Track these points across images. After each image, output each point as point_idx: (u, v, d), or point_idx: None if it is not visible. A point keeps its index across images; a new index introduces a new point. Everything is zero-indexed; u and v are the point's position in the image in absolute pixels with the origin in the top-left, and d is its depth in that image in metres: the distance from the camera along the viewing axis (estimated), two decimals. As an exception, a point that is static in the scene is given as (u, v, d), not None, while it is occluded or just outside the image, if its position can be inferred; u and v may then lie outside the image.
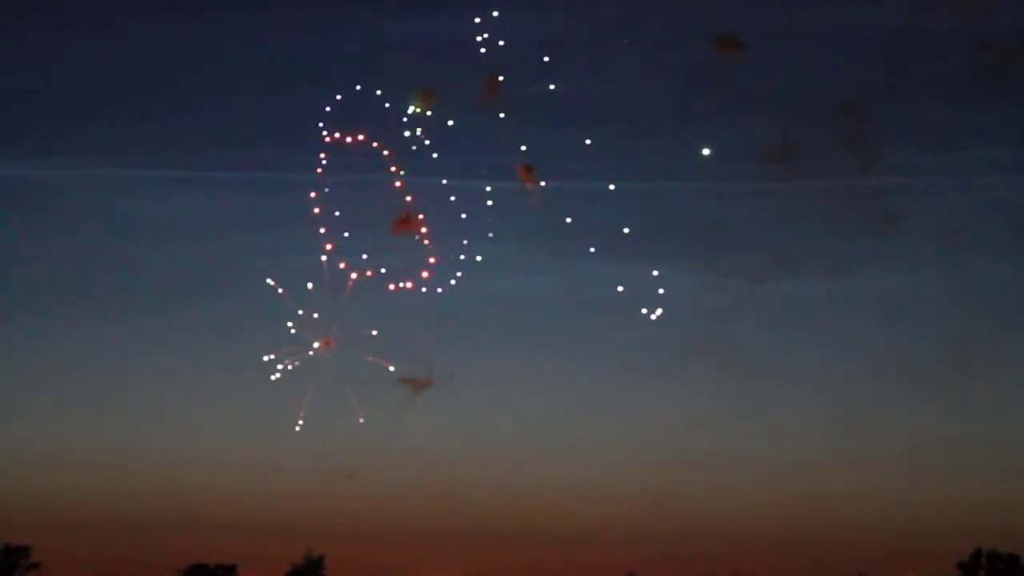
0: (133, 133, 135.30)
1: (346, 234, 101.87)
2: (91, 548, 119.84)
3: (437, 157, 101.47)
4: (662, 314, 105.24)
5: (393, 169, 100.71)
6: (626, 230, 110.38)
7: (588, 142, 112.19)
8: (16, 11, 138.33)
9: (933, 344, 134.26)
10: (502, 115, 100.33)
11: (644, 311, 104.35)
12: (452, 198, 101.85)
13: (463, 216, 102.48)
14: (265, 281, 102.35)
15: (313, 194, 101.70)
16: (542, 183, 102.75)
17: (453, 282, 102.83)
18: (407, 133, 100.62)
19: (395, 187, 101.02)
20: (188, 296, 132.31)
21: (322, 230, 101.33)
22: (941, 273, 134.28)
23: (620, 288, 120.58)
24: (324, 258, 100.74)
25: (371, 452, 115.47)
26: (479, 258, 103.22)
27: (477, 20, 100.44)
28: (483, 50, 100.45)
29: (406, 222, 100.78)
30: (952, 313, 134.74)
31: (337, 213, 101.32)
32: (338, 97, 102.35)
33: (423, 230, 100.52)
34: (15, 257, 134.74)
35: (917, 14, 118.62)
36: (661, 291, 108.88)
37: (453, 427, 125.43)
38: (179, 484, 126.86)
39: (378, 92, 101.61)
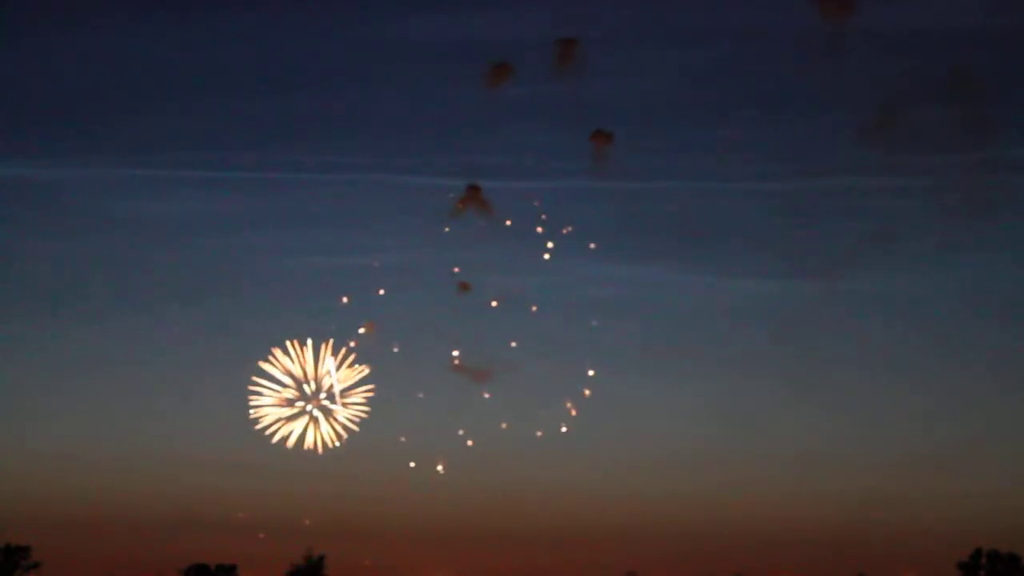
0: (133, 133, 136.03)
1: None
2: (91, 548, 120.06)
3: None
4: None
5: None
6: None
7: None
8: (17, 12, 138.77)
9: (936, 344, 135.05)
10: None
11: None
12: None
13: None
14: (264, 280, 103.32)
15: None
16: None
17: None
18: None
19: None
20: (188, 296, 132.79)
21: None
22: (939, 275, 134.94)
23: (630, 287, 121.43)
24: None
25: (371, 452, 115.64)
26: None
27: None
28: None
29: (474, 194, 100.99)
30: (958, 313, 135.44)
31: None
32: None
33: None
34: (15, 257, 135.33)
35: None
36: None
37: (455, 428, 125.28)
38: (179, 484, 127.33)
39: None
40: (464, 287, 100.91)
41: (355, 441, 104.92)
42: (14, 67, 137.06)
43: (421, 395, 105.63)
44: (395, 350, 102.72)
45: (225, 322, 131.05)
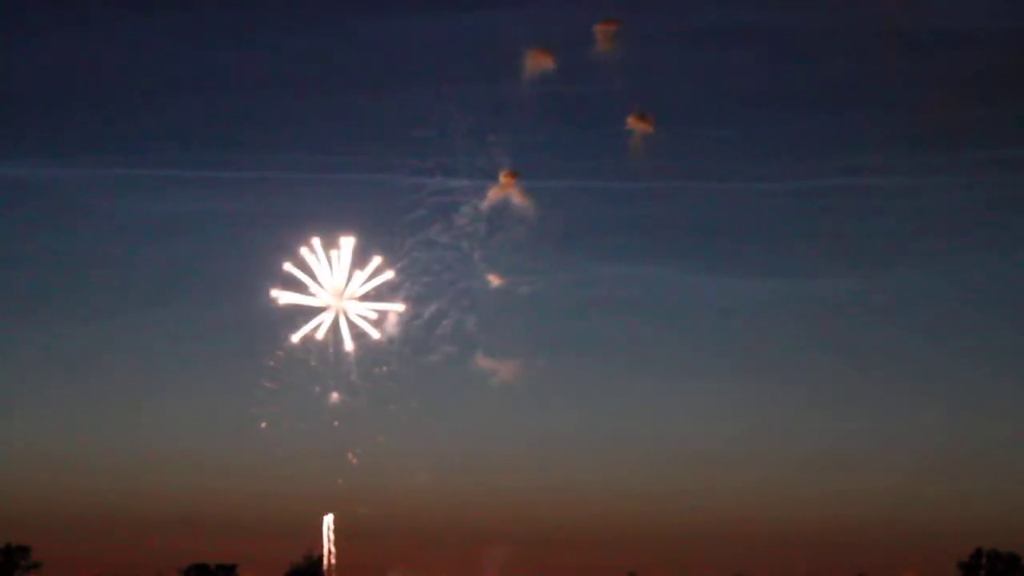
0: (133, 133, 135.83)
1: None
2: (91, 548, 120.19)
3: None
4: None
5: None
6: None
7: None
8: (17, 12, 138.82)
9: (938, 346, 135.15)
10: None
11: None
12: None
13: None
14: (264, 280, 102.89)
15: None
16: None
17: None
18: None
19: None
20: (188, 296, 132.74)
21: None
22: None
23: (628, 287, 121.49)
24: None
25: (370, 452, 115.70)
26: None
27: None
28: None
29: (511, 180, 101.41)
30: (959, 314, 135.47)
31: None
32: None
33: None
34: (15, 257, 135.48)
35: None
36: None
37: (456, 428, 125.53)
38: (179, 484, 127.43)
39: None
40: (496, 279, 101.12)
41: (356, 439, 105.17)
42: (14, 67, 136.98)
43: (426, 395, 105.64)
44: (406, 351, 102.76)
45: (225, 322, 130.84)
